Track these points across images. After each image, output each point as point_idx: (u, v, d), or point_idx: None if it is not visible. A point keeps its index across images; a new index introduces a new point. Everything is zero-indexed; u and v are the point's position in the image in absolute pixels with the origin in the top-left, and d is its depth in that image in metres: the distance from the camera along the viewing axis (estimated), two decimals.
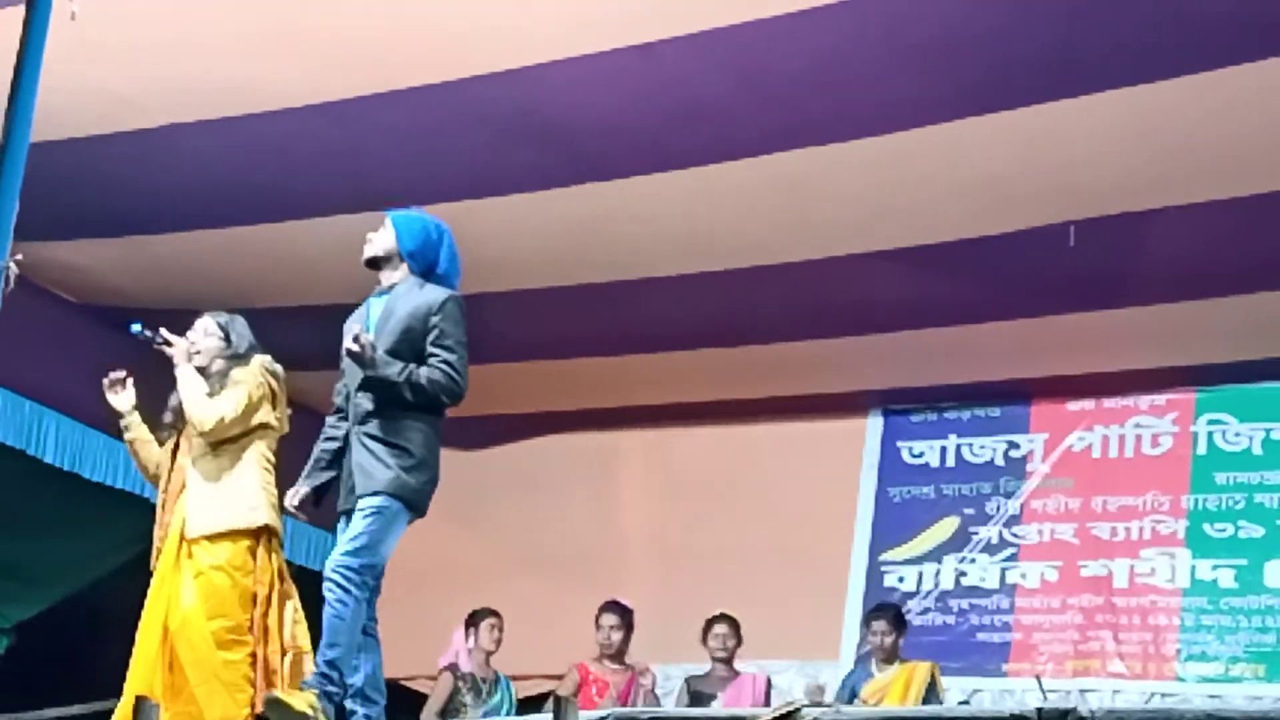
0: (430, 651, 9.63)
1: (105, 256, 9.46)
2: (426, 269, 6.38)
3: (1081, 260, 8.57)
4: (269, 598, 6.58)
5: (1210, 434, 10.38)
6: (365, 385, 6.14)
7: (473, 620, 9.47)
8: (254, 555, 6.61)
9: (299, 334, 10.28)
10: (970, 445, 11.00)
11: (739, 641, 9.31)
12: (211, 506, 6.59)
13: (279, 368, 6.92)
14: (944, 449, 11.05)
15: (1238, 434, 10.31)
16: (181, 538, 6.59)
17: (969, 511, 10.81)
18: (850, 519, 11.00)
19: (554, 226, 8.75)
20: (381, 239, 6.42)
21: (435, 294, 6.26)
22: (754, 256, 9.00)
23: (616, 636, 9.23)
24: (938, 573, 10.73)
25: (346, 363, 6.22)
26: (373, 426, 6.10)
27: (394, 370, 6.06)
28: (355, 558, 5.95)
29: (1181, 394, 10.48)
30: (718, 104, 7.60)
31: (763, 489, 11.05)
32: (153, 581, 6.72)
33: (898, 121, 7.65)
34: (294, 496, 6.36)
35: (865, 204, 8.40)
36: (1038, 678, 9.62)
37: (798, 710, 3.94)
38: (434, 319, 6.19)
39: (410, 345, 6.16)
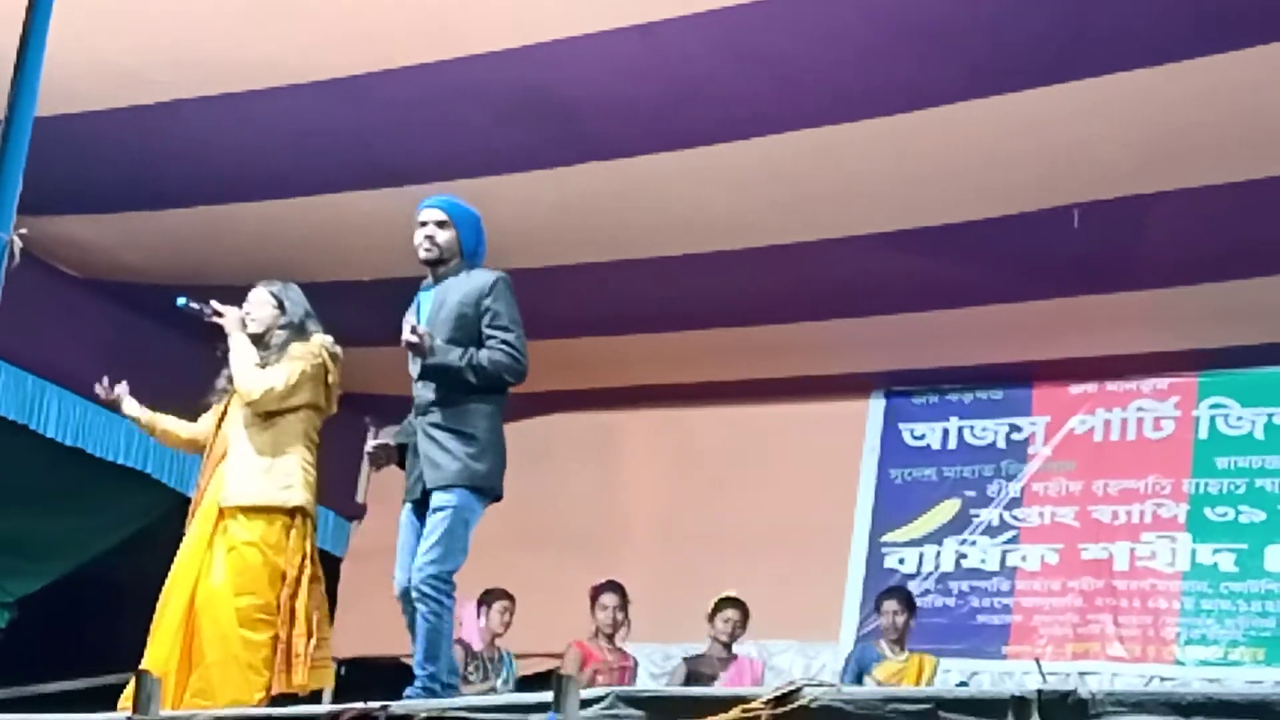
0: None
1: (109, 231, 9.47)
2: (473, 256, 6.46)
3: (1084, 243, 8.57)
4: (298, 579, 6.63)
5: (1212, 418, 10.37)
6: (425, 375, 6.18)
7: (485, 600, 9.50)
8: (287, 534, 6.66)
9: None
10: (972, 427, 11.00)
11: (745, 629, 9.34)
12: (251, 479, 6.65)
13: (339, 350, 6.97)
14: (946, 431, 11.05)
15: (1240, 418, 10.30)
16: (220, 511, 6.63)
17: (970, 494, 10.81)
18: (851, 500, 11.00)
19: (557, 206, 8.75)
20: (445, 238, 6.41)
21: (484, 277, 6.31)
22: (757, 237, 9.00)
23: (620, 616, 9.24)
24: (938, 555, 10.73)
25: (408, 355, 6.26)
26: (436, 416, 6.15)
27: (455, 356, 6.12)
28: (439, 566, 6.00)
29: (1184, 378, 10.47)
30: (720, 84, 7.60)
31: (764, 470, 11.06)
32: (182, 546, 6.75)
33: (901, 103, 7.65)
34: (373, 443, 6.40)
35: (868, 185, 8.40)
36: (1037, 660, 9.63)
37: (798, 690, 3.94)
38: (486, 301, 6.23)
39: (466, 331, 6.20)
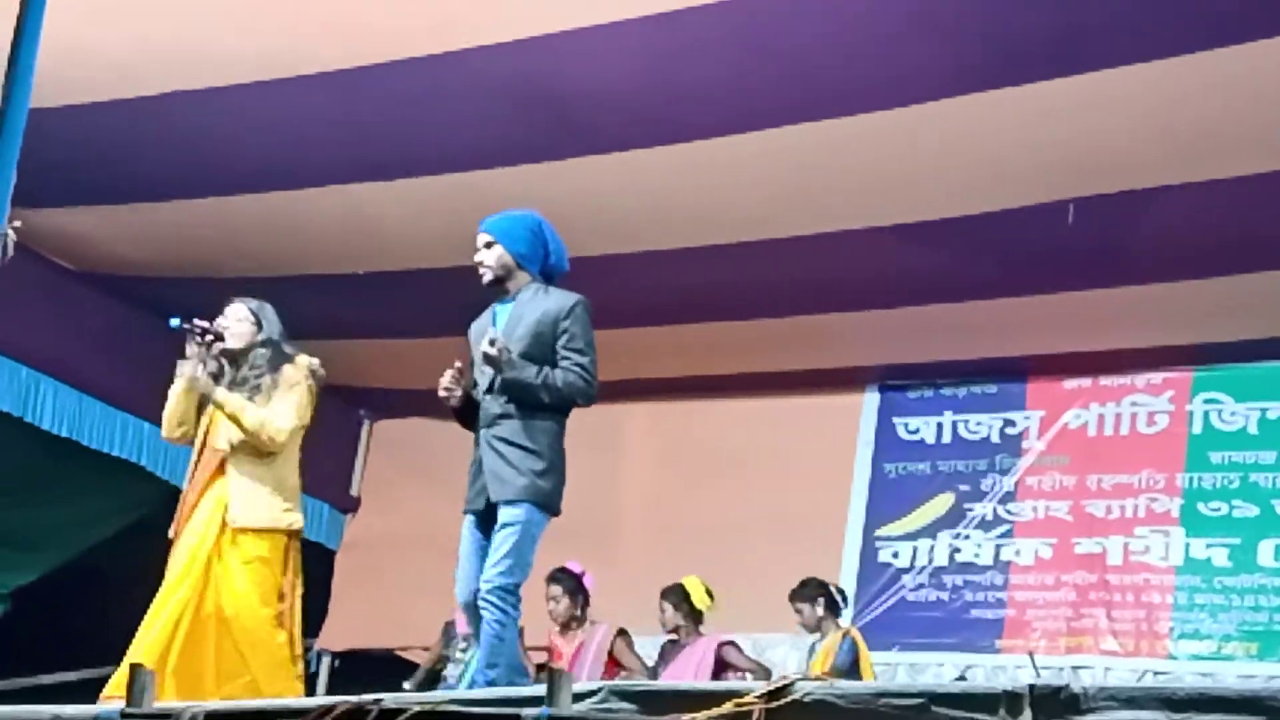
0: (426, 619, 9.65)
1: (104, 224, 9.46)
2: (542, 265, 6.47)
3: (1080, 238, 8.57)
4: (292, 595, 6.81)
5: (1206, 413, 10.38)
6: (500, 388, 6.23)
7: None
8: (285, 553, 6.82)
9: (297, 303, 10.30)
10: (966, 422, 11.00)
11: (682, 613, 9.40)
12: (257, 502, 6.76)
13: (322, 370, 7.05)
14: (940, 425, 11.05)
15: (1233, 413, 10.31)
16: (223, 525, 6.72)
17: (964, 488, 10.82)
18: (846, 494, 11.01)
19: (557, 198, 8.70)
20: (492, 258, 6.43)
21: (564, 299, 6.36)
22: (754, 231, 9.01)
23: (560, 606, 9.26)
24: (932, 548, 10.74)
25: (477, 366, 6.33)
26: (503, 429, 6.19)
27: (531, 373, 6.17)
28: (507, 578, 6.06)
29: (1178, 373, 10.47)
30: (720, 78, 7.60)
31: (759, 463, 11.06)
32: (180, 552, 6.80)
33: (899, 97, 7.65)
34: (451, 379, 6.35)
35: (865, 179, 8.40)
36: (1030, 654, 9.63)
37: (792, 684, 3.95)
38: (564, 323, 6.29)
39: (540, 349, 6.25)
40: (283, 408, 6.81)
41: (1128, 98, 7.47)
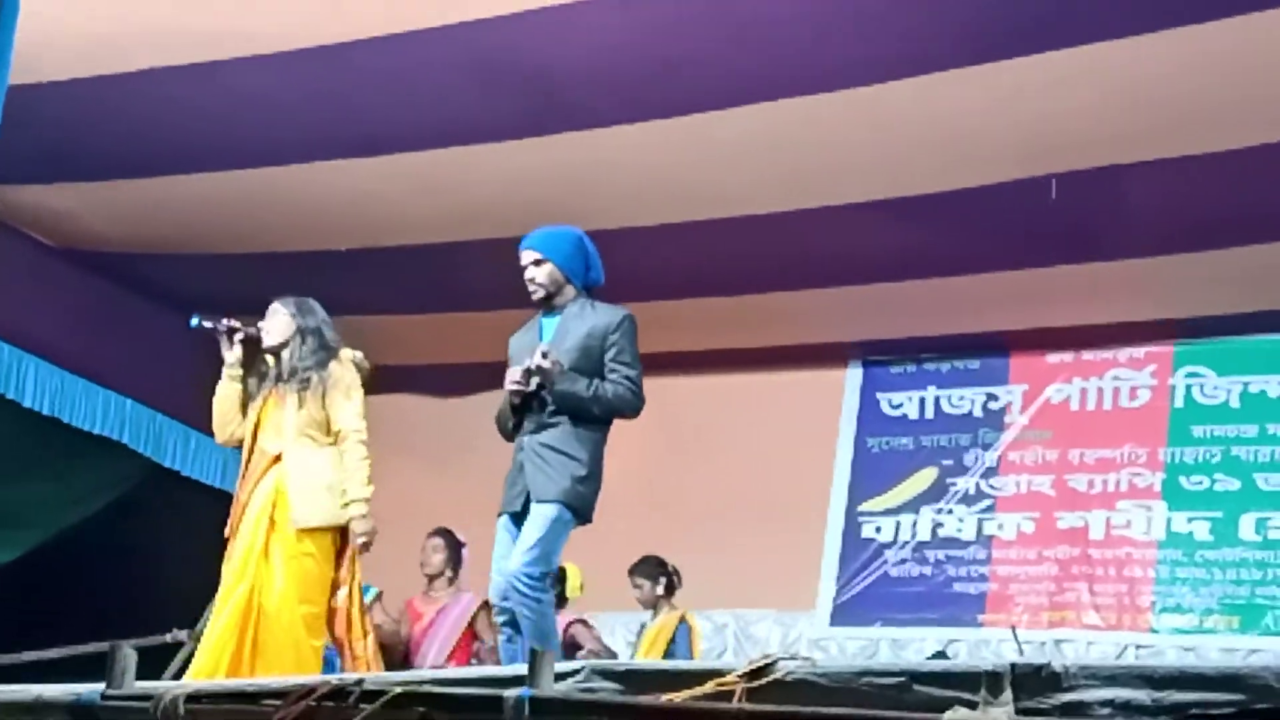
0: (405, 595, 9.64)
1: (85, 200, 9.43)
2: (584, 278, 6.60)
3: (1062, 213, 8.58)
4: (350, 587, 6.95)
5: (1188, 387, 10.40)
6: (544, 398, 6.36)
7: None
8: (336, 545, 6.93)
9: (280, 280, 10.28)
10: (949, 397, 11.01)
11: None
12: (317, 500, 6.88)
13: (366, 362, 7.19)
14: (923, 400, 11.07)
15: (1215, 387, 10.33)
16: (272, 523, 6.85)
17: (947, 463, 10.83)
18: (829, 469, 11.01)
19: (538, 174, 8.73)
20: (544, 274, 6.55)
21: (611, 314, 6.51)
22: (734, 207, 9.00)
23: (437, 558, 9.32)
24: (915, 523, 10.75)
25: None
26: (548, 437, 6.34)
27: (581, 385, 6.33)
28: (534, 567, 6.20)
29: (1160, 347, 10.49)
30: (700, 54, 7.59)
31: (742, 439, 11.06)
32: (233, 555, 6.96)
33: (879, 73, 7.65)
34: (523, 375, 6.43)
35: (846, 155, 8.40)
36: (1013, 629, 9.64)
37: (774, 663, 3.95)
38: (612, 337, 6.44)
39: (588, 362, 6.40)
40: (348, 414, 6.95)
41: (1107, 73, 7.47)
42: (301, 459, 6.93)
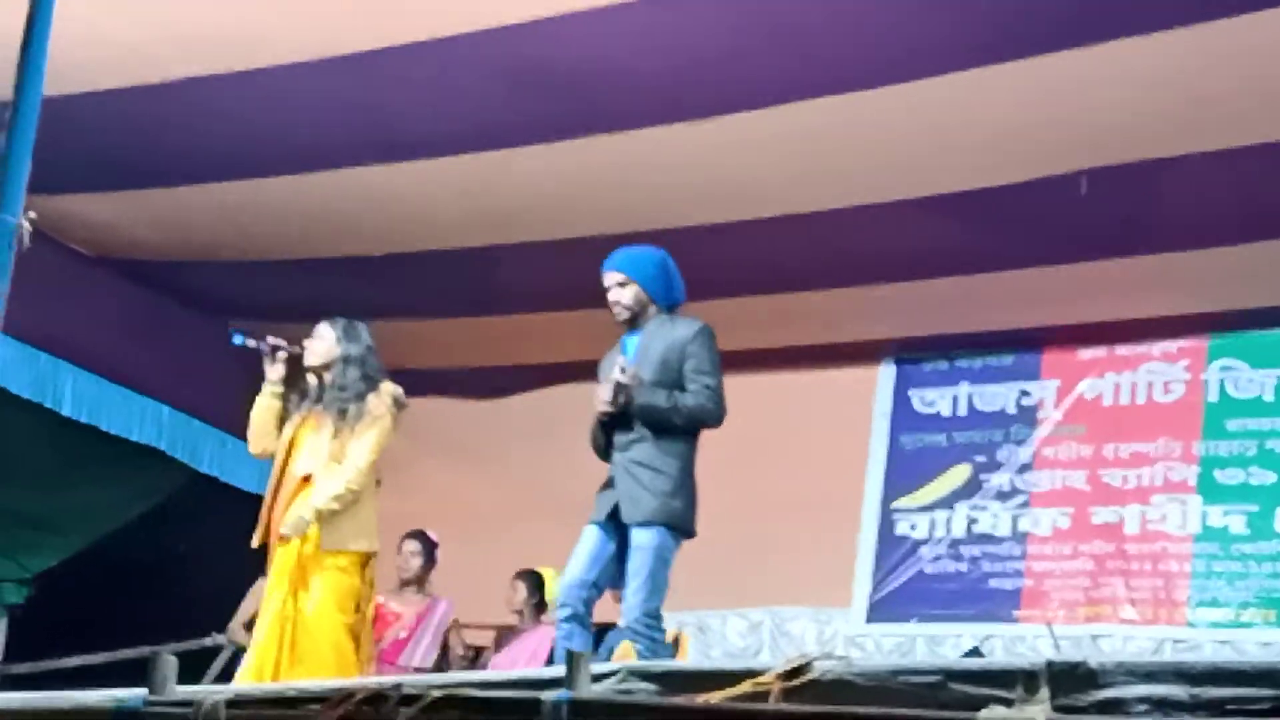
0: (443, 595, 9.67)
1: (120, 209, 9.49)
2: (667, 296, 6.76)
3: (1094, 208, 8.56)
4: (365, 610, 7.13)
5: (1222, 380, 10.36)
6: (630, 414, 6.51)
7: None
8: (361, 572, 7.11)
9: (314, 286, 10.35)
10: (982, 393, 10.99)
11: (534, 599, 9.64)
12: (340, 528, 7.04)
13: (405, 399, 7.30)
14: (956, 397, 11.05)
15: (1250, 380, 10.29)
16: (302, 541, 7.01)
17: (980, 459, 10.82)
18: (862, 467, 11.01)
19: (571, 177, 8.75)
20: (629, 296, 6.71)
21: (689, 327, 6.65)
22: (768, 207, 9.00)
23: (414, 563, 9.39)
24: (949, 520, 10.74)
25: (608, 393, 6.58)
26: (636, 453, 6.49)
27: (661, 398, 6.48)
28: (648, 603, 6.37)
29: (1193, 341, 10.45)
30: (734, 54, 7.59)
31: (776, 437, 11.04)
32: (271, 572, 7.12)
33: (912, 71, 7.63)
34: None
35: (879, 153, 8.39)
36: (1049, 625, 9.64)
37: (809, 663, 3.96)
38: (690, 348, 6.58)
39: (668, 375, 6.54)
40: (359, 451, 7.06)
41: (1140, 68, 7.45)
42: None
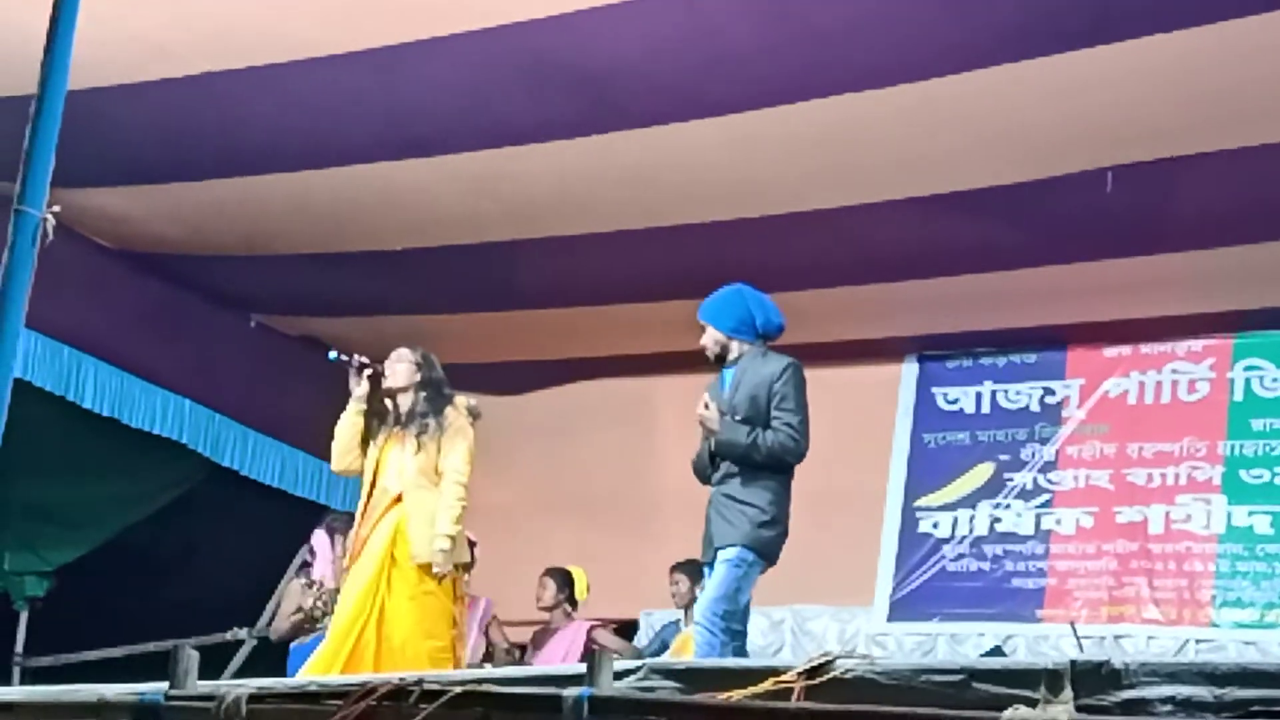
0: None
1: (143, 203, 9.49)
2: (753, 330, 7.05)
3: (1118, 206, 8.54)
4: (461, 621, 7.51)
5: (1247, 380, 10.33)
6: (716, 450, 6.80)
7: (337, 527, 9.33)
8: (454, 584, 7.45)
9: (334, 280, 10.36)
10: (1005, 391, 10.96)
11: (563, 595, 9.75)
12: (432, 541, 7.33)
13: (479, 410, 7.75)
14: (979, 395, 11.02)
15: (1275, 379, 10.26)
16: (393, 560, 7.32)
17: (1004, 457, 10.79)
18: (885, 465, 10.98)
19: (591, 173, 8.74)
20: (709, 340, 7.06)
21: (777, 364, 6.92)
22: (790, 203, 8.98)
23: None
24: (972, 518, 10.72)
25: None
26: (729, 487, 6.76)
27: (741, 434, 6.73)
28: (718, 605, 6.60)
29: (1218, 340, 10.42)
30: (755, 51, 7.57)
31: None
32: (351, 586, 7.39)
33: (935, 68, 7.61)
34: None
35: (902, 151, 8.37)
36: (1072, 624, 9.61)
37: (831, 661, 3.95)
38: (776, 385, 6.84)
39: (757, 411, 6.79)
40: (455, 467, 7.44)
41: (1165, 65, 7.42)
42: (419, 501, 7.40)
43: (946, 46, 7.44)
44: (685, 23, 7.41)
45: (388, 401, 7.68)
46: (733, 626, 6.58)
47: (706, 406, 6.75)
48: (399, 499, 7.44)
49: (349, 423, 7.69)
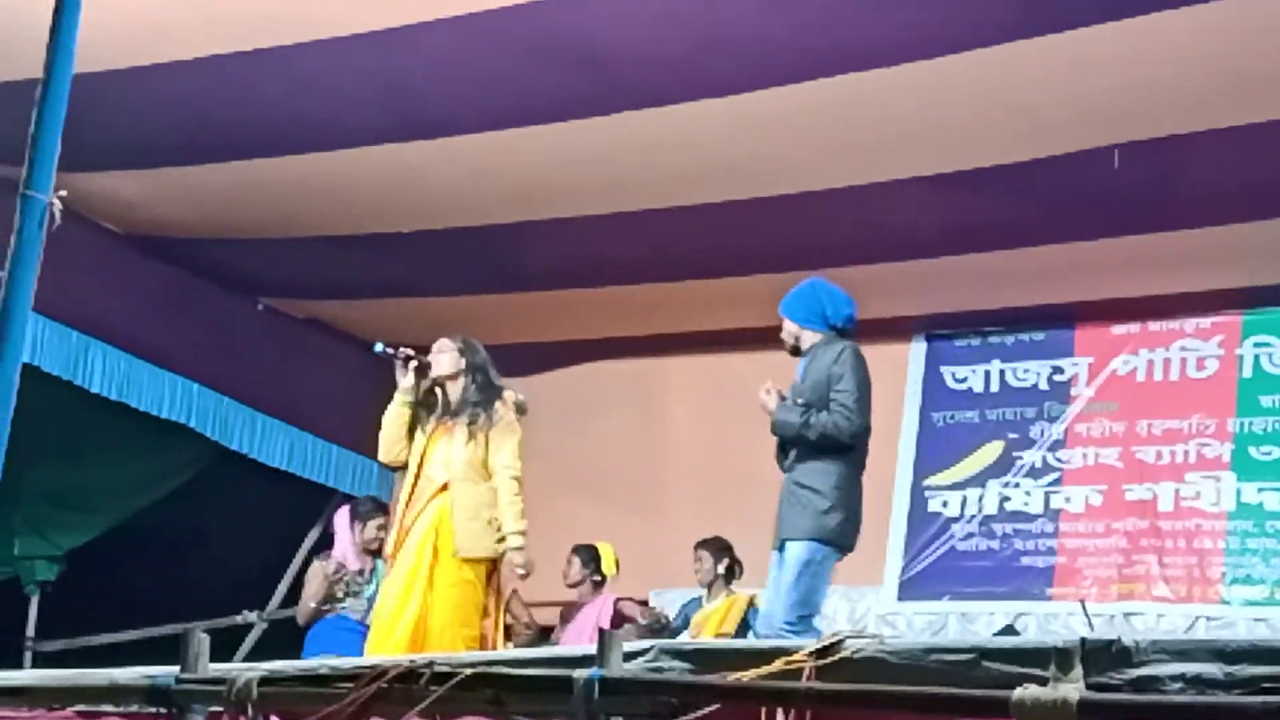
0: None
1: (150, 187, 9.49)
2: (824, 321, 7.29)
3: (1126, 183, 8.52)
4: (496, 616, 7.51)
5: (1256, 357, 10.31)
6: (775, 431, 7.03)
7: (361, 514, 9.35)
8: (488, 575, 7.49)
9: (342, 263, 10.36)
10: (1014, 369, 10.95)
11: (590, 570, 9.74)
12: (479, 534, 7.43)
13: (526, 404, 7.80)
14: (988, 373, 11.01)
15: None
16: (435, 551, 7.37)
17: (1013, 436, 10.78)
18: (894, 444, 10.95)
19: (595, 154, 8.74)
20: (785, 332, 7.36)
21: (835, 349, 7.14)
22: (796, 183, 8.98)
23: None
24: (981, 497, 10.71)
25: None
26: (796, 473, 6.92)
27: (794, 416, 6.95)
28: (794, 611, 6.76)
29: (1227, 317, 10.40)
30: (759, 30, 7.56)
31: None
32: (396, 575, 7.48)
33: (941, 46, 7.60)
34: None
35: (908, 129, 8.36)
36: (1082, 602, 9.61)
37: (841, 641, 3.95)
38: (834, 368, 7.04)
39: (820, 397, 7.00)
40: (507, 463, 7.53)
41: (1172, 42, 7.40)
42: (466, 492, 7.46)
43: (953, 25, 7.42)
44: (691, 1, 7.40)
45: (436, 391, 7.72)
46: (809, 628, 6.66)
47: (768, 392, 6.93)
48: (444, 488, 7.48)
49: (396, 414, 7.74)
